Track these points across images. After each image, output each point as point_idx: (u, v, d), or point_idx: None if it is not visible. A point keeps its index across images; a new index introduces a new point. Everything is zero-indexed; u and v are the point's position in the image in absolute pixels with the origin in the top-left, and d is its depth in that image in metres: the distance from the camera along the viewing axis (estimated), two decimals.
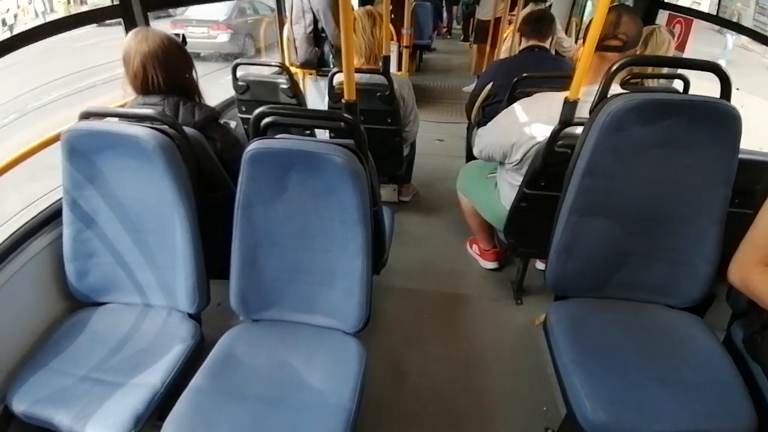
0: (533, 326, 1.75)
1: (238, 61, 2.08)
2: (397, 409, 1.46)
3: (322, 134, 1.98)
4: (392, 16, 3.44)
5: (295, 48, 2.78)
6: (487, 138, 1.60)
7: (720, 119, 1.04)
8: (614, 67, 1.09)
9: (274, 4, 2.86)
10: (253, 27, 7.75)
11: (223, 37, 7.20)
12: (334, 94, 1.95)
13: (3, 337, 1.12)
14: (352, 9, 2.19)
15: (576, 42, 3.35)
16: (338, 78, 1.92)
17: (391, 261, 1.64)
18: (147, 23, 1.55)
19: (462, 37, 8.23)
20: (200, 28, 7.08)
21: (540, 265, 2.06)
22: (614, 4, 1.12)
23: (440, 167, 3.03)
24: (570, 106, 1.21)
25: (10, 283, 1.14)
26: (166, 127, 1.12)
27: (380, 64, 1.99)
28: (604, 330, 1.14)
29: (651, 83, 1.78)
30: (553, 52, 2.49)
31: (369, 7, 2.05)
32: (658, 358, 1.06)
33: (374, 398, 1.43)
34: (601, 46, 1.23)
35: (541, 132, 1.38)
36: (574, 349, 1.07)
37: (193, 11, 7.28)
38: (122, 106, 1.30)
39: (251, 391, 1.04)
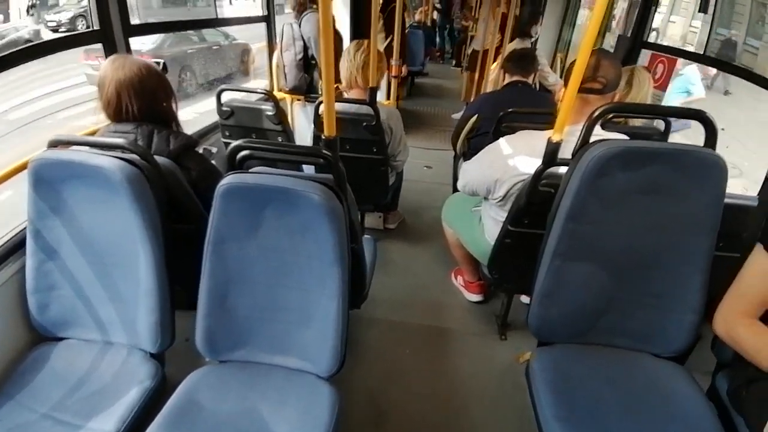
0: (518, 363, 1.71)
1: (222, 87, 2.06)
2: None
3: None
4: (392, 45, 3.48)
5: (285, 74, 2.79)
6: (470, 173, 1.59)
7: (704, 168, 1.03)
8: (596, 114, 1.09)
9: (229, 30, 2.81)
10: (195, 58, 6.12)
11: None
12: (320, 123, 1.93)
13: None
14: (341, 41, 2.22)
15: (561, 77, 3.43)
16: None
17: (374, 291, 1.59)
18: (128, 49, 1.53)
19: (454, 62, 8.42)
20: None
21: (525, 299, 2.01)
22: (594, 48, 1.13)
23: (428, 194, 3.00)
24: (553, 147, 1.20)
25: None
26: (136, 157, 1.08)
27: (367, 94, 1.99)
28: (588, 380, 1.10)
29: (633, 122, 1.80)
30: (537, 86, 2.54)
31: (362, 40, 2.06)
32: (642, 412, 1.03)
33: None
34: (582, 89, 1.24)
35: (525, 170, 1.36)
36: (556, 403, 1.03)
37: None
38: (94, 133, 1.26)
39: None
